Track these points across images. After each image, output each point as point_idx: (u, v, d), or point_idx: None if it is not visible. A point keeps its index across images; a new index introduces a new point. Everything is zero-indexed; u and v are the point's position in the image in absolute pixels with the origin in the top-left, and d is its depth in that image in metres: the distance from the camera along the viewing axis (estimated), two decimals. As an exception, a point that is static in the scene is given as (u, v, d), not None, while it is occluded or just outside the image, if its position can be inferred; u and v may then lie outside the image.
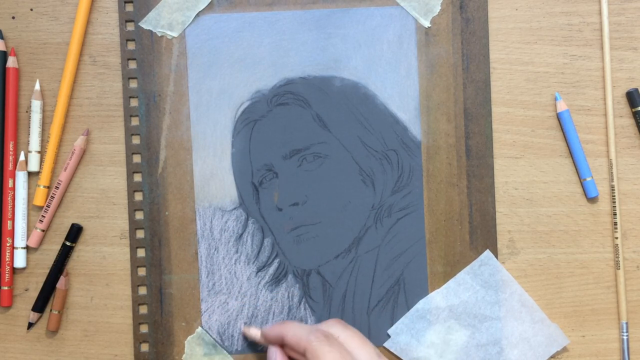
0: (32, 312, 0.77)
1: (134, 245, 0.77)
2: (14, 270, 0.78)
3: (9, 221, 0.77)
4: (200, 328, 0.77)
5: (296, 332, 0.69)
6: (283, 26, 0.77)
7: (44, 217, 0.77)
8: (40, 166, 0.77)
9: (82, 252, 0.78)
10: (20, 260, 0.77)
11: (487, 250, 0.77)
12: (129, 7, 0.77)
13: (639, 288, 0.77)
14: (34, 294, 0.77)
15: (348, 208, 0.77)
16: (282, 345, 0.71)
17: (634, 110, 0.77)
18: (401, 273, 0.77)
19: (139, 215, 0.77)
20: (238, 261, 0.77)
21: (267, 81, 0.77)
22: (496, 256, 0.77)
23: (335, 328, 0.70)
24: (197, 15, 0.77)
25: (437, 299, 0.77)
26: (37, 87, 0.77)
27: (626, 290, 0.77)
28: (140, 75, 0.77)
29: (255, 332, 0.75)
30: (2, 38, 0.77)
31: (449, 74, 0.77)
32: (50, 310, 0.77)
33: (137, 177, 0.77)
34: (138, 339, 0.77)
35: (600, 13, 0.77)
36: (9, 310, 0.78)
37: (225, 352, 0.77)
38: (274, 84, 0.77)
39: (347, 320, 0.76)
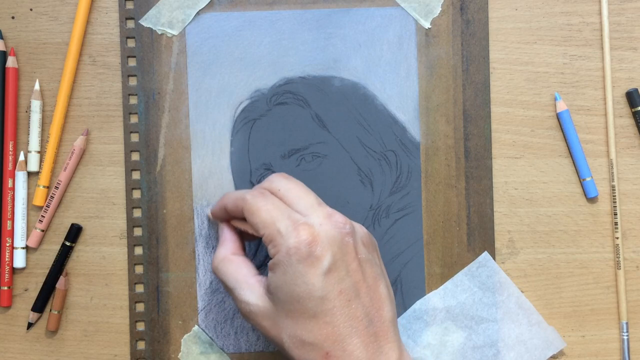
0: (31, 312, 0.77)
1: (132, 243, 0.77)
2: (13, 270, 0.78)
3: (8, 221, 0.77)
4: (196, 326, 0.77)
5: (233, 195, 0.68)
6: (283, 25, 0.77)
7: (44, 217, 0.77)
8: (40, 166, 0.77)
9: (81, 252, 0.78)
10: (19, 261, 0.77)
11: (485, 252, 0.77)
12: (129, 5, 0.77)
13: (639, 288, 0.77)
14: (33, 294, 0.77)
15: (346, 208, 0.77)
16: (229, 219, 0.70)
17: (633, 110, 0.77)
18: (398, 274, 0.77)
19: (137, 213, 0.77)
20: (235, 260, 0.77)
21: (267, 80, 0.77)
22: (495, 257, 0.77)
23: (276, 182, 0.68)
24: (198, 13, 0.77)
25: (434, 300, 0.76)
26: (37, 87, 0.77)
27: (626, 290, 0.77)
28: (140, 73, 0.77)
29: (208, 212, 0.76)
30: (2, 38, 0.77)
31: (448, 75, 0.77)
32: (50, 310, 0.77)
33: (136, 175, 0.77)
34: (134, 336, 0.77)
35: (600, 13, 0.77)
36: (8, 311, 0.78)
37: (221, 350, 0.77)
38: (273, 83, 0.77)
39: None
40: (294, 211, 0.64)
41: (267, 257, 0.76)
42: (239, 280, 0.67)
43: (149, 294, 0.77)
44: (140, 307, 0.77)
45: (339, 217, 0.64)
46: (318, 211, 0.64)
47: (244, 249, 0.71)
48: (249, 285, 0.66)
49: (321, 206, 0.65)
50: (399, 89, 0.77)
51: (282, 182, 0.67)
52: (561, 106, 0.77)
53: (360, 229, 0.66)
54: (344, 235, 0.63)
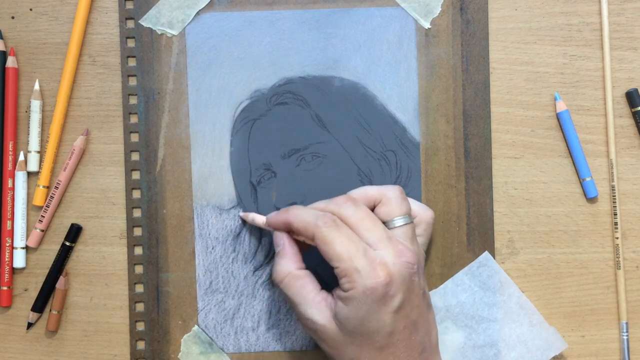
0: (31, 312, 0.77)
1: (132, 243, 0.77)
2: (13, 270, 0.78)
3: (8, 221, 0.77)
4: (196, 326, 0.77)
5: (303, 217, 0.68)
6: (283, 25, 0.77)
7: (44, 217, 0.77)
8: (40, 166, 0.77)
9: (81, 252, 0.78)
10: (19, 261, 0.77)
11: (486, 251, 0.76)
12: (129, 5, 0.77)
13: (639, 288, 0.77)
14: (33, 294, 0.77)
15: (346, 208, 0.77)
16: (290, 231, 0.70)
17: (633, 110, 0.77)
18: (399, 273, 0.77)
19: (137, 213, 0.77)
20: (235, 260, 0.77)
21: (267, 80, 0.77)
22: (494, 257, 0.77)
23: (345, 208, 0.68)
24: (197, 13, 0.77)
25: (434, 298, 0.76)
26: (37, 87, 0.77)
27: (626, 290, 0.77)
28: (140, 73, 0.77)
29: (255, 217, 0.75)
30: (2, 38, 0.77)
31: (448, 75, 0.77)
32: (50, 310, 0.77)
33: (136, 175, 0.77)
34: (134, 336, 0.77)
35: (600, 13, 0.77)
36: (8, 310, 0.78)
37: (221, 350, 0.77)
38: (273, 83, 0.77)
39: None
40: (367, 246, 0.65)
41: (267, 257, 0.76)
42: (305, 297, 0.68)
43: (149, 294, 0.77)
44: (140, 307, 0.77)
45: (408, 256, 0.66)
46: (389, 247, 0.66)
47: (303, 260, 0.71)
48: (315, 304, 0.67)
49: (391, 241, 0.66)
50: (398, 89, 0.77)
51: (351, 210, 0.68)
52: (561, 106, 0.77)
53: (420, 259, 0.69)
54: (412, 274, 0.66)
